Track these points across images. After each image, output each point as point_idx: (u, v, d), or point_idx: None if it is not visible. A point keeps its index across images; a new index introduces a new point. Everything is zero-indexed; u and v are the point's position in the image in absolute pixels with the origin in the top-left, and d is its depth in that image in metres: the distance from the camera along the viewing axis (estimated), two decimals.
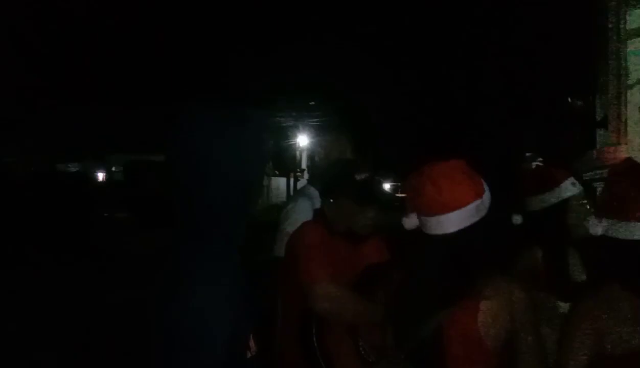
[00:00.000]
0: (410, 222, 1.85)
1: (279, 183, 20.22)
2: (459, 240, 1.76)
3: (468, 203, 1.74)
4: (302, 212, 2.88)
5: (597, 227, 1.77)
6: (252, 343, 1.78)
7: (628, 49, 4.82)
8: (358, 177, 2.46)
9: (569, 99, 7.42)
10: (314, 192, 3.05)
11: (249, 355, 1.57)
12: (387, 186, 25.01)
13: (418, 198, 1.83)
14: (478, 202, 1.76)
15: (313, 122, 20.45)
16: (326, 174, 2.66)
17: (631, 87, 4.80)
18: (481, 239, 1.79)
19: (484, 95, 17.96)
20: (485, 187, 1.83)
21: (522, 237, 2.61)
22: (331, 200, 2.51)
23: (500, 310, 1.73)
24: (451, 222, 1.75)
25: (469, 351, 1.73)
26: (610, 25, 5.05)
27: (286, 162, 18.84)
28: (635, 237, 1.70)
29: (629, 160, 2.02)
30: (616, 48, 4.96)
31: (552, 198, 2.53)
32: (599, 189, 5.14)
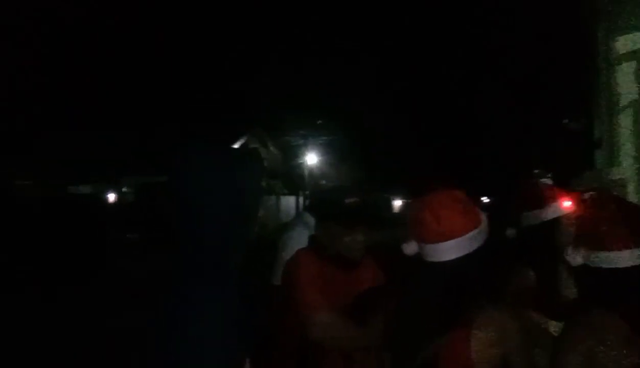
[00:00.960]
0: (410, 248, 1.91)
1: (289, 201, 20.21)
2: (455, 268, 1.82)
3: (465, 233, 1.81)
4: (299, 241, 2.84)
5: (576, 257, 1.82)
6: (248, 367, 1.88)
7: (617, 73, 4.95)
8: (347, 201, 2.49)
9: (566, 121, 7.52)
10: (310, 218, 3.02)
11: None
12: (397, 203, 24.78)
13: (417, 226, 1.91)
14: (475, 232, 1.83)
15: (321, 140, 20.52)
16: (319, 200, 2.70)
17: (622, 110, 4.93)
18: (477, 267, 1.85)
19: (491, 113, 17.98)
20: (483, 217, 1.90)
21: (515, 253, 2.65)
22: (321, 225, 2.52)
23: (493, 339, 1.79)
24: (448, 250, 1.82)
25: None
26: (600, 51, 5.20)
27: (295, 181, 18.83)
28: (616, 266, 1.75)
29: (604, 191, 2.06)
30: (607, 73, 5.10)
31: (544, 215, 2.55)
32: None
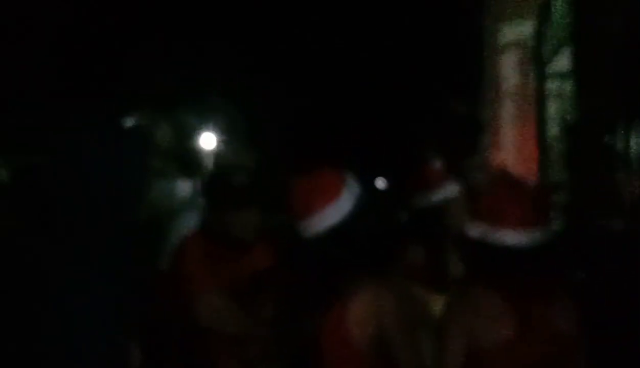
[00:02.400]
0: (295, 228, 1.96)
1: (184, 185, 19.68)
2: (323, 242, 1.87)
3: (323, 207, 1.86)
4: (189, 225, 2.84)
5: (473, 232, 1.92)
6: (136, 353, 1.81)
7: (502, 61, 5.25)
8: (236, 180, 2.47)
9: (452, 105, 7.88)
10: (202, 203, 2.98)
11: (132, 362, 1.58)
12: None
13: (291, 204, 1.95)
14: (335, 204, 1.87)
15: (219, 120, 20.21)
16: (212, 182, 2.64)
17: (505, 96, 5.24)
18: (348, 238, 1.90)
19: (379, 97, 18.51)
20: (348, 188, 1.94)
21: (407, 233, 2.76)
22: (211, 206, 2.49)
23: (368, 312, 1.84)
24: (312, 225, 1.86)
25: (342, 351, 1.83)
26: (486, 39, 5.50)
27: (191, 164, 18.43)
28: (510, 244, 1.80)
29: (502, 169, 2.15)
30: (492, 60, 5.39)
31: (434, 197, 2.66)
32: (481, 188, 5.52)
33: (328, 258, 1.88)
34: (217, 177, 2.57)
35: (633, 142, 2.64)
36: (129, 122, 1.73)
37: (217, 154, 3.25)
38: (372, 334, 1.86)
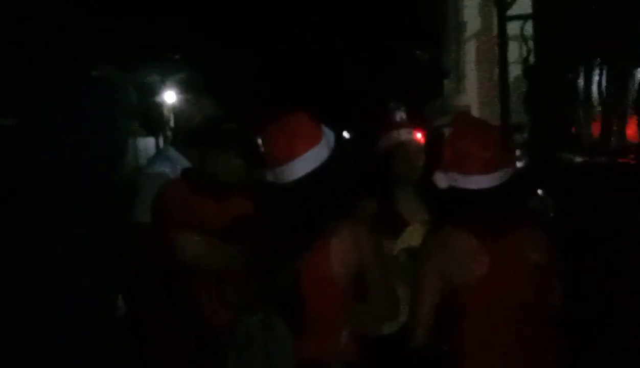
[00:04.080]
0: (269, 175, 1.99)
1: (148, 143, 19.33)
2: (305, 185, 1.92)
3: (305, 151, 1.90)
4: (161, 175, 2.82)
5: (442, 180, 1.96)
6: (120, 303, 1.85)
7: (463, 6, 5.29)
8: (225, 127, 2.49)
9: (417, 52, 7.94)
10: (175, 154, 2.96)
11: (117, 313, 1.62)
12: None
13: (266, 151, 1.98)
14: (314, 149, 1.92)
15: (180, 77, 19.75)
16: (193, 131, 2.66)
17: (468, 40, 5.31)
18: (327, 183, 1.96)
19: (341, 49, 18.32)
20: (325, 134, 1.99)
21: (365, 178, 2.85)
22: (197, 150, 2.48)
23: (348, 249, 1.91)
24: (293, 170, 1.91)
25: (324, 289, 1.90)
26: None
27: (154, 121, 18.06)
28: (478, 187, 1.92)
29: (466, 115, 2.19)
30: (454, 4, 5.42)
31: (388, 142, 2.73)
32: (446, 134, 5.63)
33: (309, 202, 1.94)
34: (206, 122, 2.57)
35: (591, 81, 2.75)
36: (94, 76, 1.71)
37: (181, 110, 3.21)
38: (351, 270, 1.94)
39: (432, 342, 1.89)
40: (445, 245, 1.87)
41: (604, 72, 2.58)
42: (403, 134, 2.71)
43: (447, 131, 2.66)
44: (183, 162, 2.77)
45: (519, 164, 4.57)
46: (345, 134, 19.70)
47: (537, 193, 2.99)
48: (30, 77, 1.47)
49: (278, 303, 1.91)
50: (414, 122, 2.98)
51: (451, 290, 1.84)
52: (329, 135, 1.98)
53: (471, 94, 5.15)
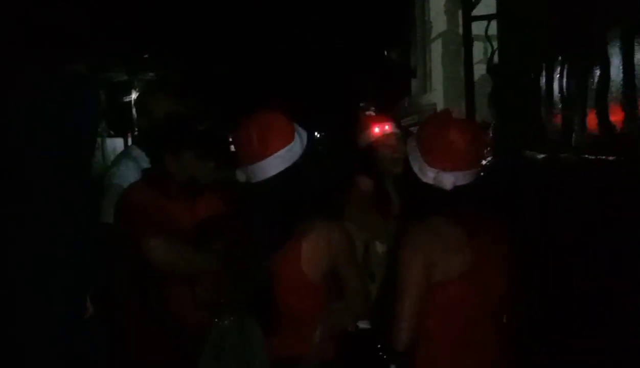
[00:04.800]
0: (241, 174, 2.00)
1: (115, 144, 19.04)
2: (276, 185, 1.93)
3: (278, 150, 1.91)
4: (126, 176, 2.74)
5: (428, 176, 1.90)
6: (88, 305, 1.84)
7: (429, 6, 5.37)
8: (199, 127, 2.48)
9: (385, 52, 8.01)
10: (139, 152, 2.94)
11: (86, 315, 1.61)
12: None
13: (239, 151, 1.99)
14: (287, 147, 1.94)
15: (149, 77, 19.49)
16: (159, 129, 2.57)
17: (434, 40, 5.38)
18: (300, 182, 1.97)
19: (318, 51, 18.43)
20: (298, 133, 2.00)
21: (355, 169, 2.89)
22: (170, 154, 2.47)
23: (320, 248, 1.93)
24: (266, 168, 1.92)
25: (296, 289, 1.92)
26: None
27: (122, 121, 17.80)
28: (454, 183, 1.86)
29: (449, 113, 2.19)
30: (421, 5, 5.50)
31: (369, 138, 2.81)
32: (413, 132, 5.73)
33: (282, 200, 1.95)
34: (178, 120, 2.56)
35: (553, 79, 2.82)
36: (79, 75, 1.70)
37: (146, 109, 3.15)
38: (324, 269, 1.96)
39: (412, 341, 1.89)
40: (434, 236, 1.89)
41: (565, 70, 2.66)
42: (383, 129, 2.78)
43: (414, 130, 2.71)
44: (147, 162, 2.75)
45: (484, 162, 4.68)
46: (316, 134, 19.77)
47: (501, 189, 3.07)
48: (15, 75, 1.45)
49: (252, 303, 1.93)
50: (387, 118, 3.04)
51: (434, 283, 1.86)
52: (302, 134, 2.00)
53: (437, 93, 5.23)
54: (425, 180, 1.93)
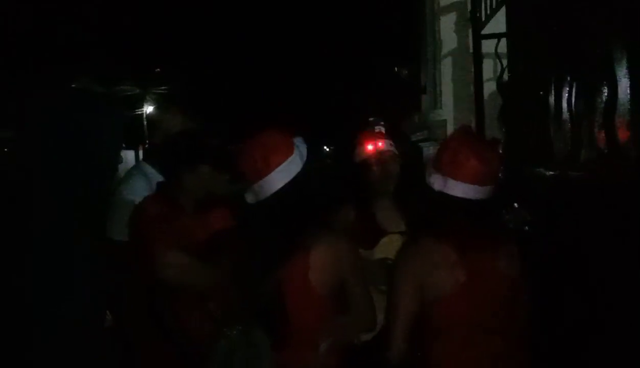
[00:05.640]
0: (250, 196, 2.04)
1: (127, 156, 19.22)
2: (280, 198, 1.97)
3: (279, 164, 1.96)
4: (135, 191, 2.81)
5: (438, 181, 1.98)
6: (108, 316, 1.87)
7: (440, 24, 5.41)
8: (212, 142, 2.54)
9: (396, 69, 8.08)
10: (150, 169, 2.99)
11: (106, 324, 1.64)
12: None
13: (244, 172, 2.04)
14: (288, 160, 1.98)
15: (160, 90, 19.68)
16: (175, 144, 2.65)
17: (444, 57, 5.42)
18: (302, 196, 2.01)
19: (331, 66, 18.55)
20: (297, 147, 2.05)
21: (344, 189, 2.91)
22: (188, 168, 2.51)
23: (328, 260, 1.96)
24: (271, 183, 1.96)
25: (305, 300, 1.95)
26: (426, 2, 5.65)
27: (134, 134, 18.00)
28: (461, 195, 1.94)
29: (470, 129, 2.25)
30: (431, 23, 5.55)
31: (363, 153, 2.83)
32: (424, 149, 5.78)
33: (287, 213, 1.99)
34: (193, 135, 2.61)
35: (562, 97, 2.85)
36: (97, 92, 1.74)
37: (159, 124, 3.22)
38: (331, 282, 1.99)
39: (408, 351, 1.93)
40: (424, 255, 1.94)
41: (574, 88, 2.68)
42: (378, 145, 2.81)
43: (424, 145, 2.74)
44: (158, 177, 2.80)
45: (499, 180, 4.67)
46: (326, 148, 19.83)
47: (513, 207, 3.07)
48: (34, 92, 1.49)
49: (259, 316, 1.96)
50: (391, 135, 3.06)
51: (427, 302, 1.89)
52: (301, 147, 2.05)
53: (447, 110, 5.25)
54: (436, 185, 1.97)
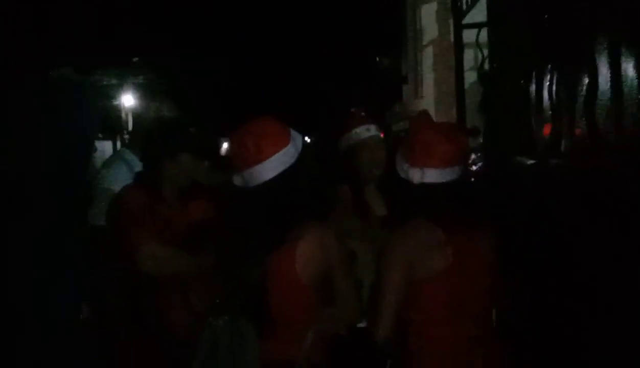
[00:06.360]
0: (237, 179, 2.03)
1: (104, 146, 18.90)
2: (271, 189, 1.96)
3: (273, 154, 1.94)
4: (116, 178, 2.78)
5: (415, 175, 1.98)
6: (84, 307, 1.85)
7: (421, 14, 5.43)
8: (192, 130, 2.52)
9: (377, 59, 8.08)
10: (130, 155, 2.96)
11: (81, 316, 1.62)
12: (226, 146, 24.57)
13: (234, 156, 2.01)
14: (282, 151, 1.96)
15: (138, 80, 19.44)
16: (156, 133, 2.61)
17: (425, 47, 5.44)
18: (294, 186, 2.00)
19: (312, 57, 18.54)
20: (292, 138, 2.03)
21: (336, 177, 2.91)
22: (168, 157, 2.49)
23: (315, 252, 1.96)
24: (261, 172, 1.94)
25: (290, 292, 1.94)
26: None
27: (111, 124, 17.75)
28: (441, 181, 1.95)
29: (427, 114, 2.26)
30: (412, 14, 5.55)
31: (349, 140, 2.83)
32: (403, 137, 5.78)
33: (277, 204, 1.97)
34: (174, 124, 2.59)
35: (542, 87, 2.87)
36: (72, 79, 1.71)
37: (141, 113, 3.17)
38: (318, 273, 1.99)
39: (393, 337, 1.94)
40: (414, 235, 1.95)
41: (554, 77, 2.71)
42: (363, 131, 2.81)
43: (404, 135, 2.76)
44: (138, 164, 2.76)
45: (474, 168, 4.73)
46: (307, 139, 19.83)
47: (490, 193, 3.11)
48: (7, 80, 1.45)
49: (245, 306, 1.95)
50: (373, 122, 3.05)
51: (414, 281, 1.91)
52: (296, 138, 2.03)
53: (428, 99, 5.28)
54: (415, 179, 1.99)
